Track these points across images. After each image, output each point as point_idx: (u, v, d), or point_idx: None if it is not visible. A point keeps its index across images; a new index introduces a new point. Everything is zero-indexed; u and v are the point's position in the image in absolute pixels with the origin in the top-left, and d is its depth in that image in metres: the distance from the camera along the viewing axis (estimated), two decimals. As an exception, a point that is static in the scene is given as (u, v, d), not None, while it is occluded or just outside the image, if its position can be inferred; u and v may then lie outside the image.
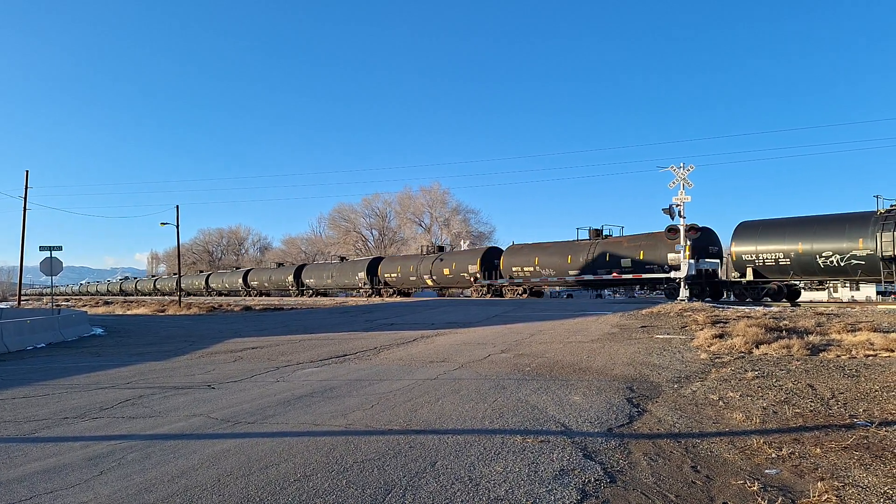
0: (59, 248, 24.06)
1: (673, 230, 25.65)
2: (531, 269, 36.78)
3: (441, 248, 49.10)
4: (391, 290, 48.80)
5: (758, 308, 19.71)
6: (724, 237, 29.79)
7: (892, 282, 22.82)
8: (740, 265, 26.79)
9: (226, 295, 70.74)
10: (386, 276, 48.42)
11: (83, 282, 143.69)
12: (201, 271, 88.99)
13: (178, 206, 45.18)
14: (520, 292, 38.30)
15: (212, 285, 74.74)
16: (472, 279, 41.23)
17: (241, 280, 68.09)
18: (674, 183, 25.33)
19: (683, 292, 25.16)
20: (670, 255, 26.15)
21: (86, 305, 52.36)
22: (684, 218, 25.26)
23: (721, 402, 6.92)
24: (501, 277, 39.04)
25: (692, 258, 26.10)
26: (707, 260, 27.32)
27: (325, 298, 51.85)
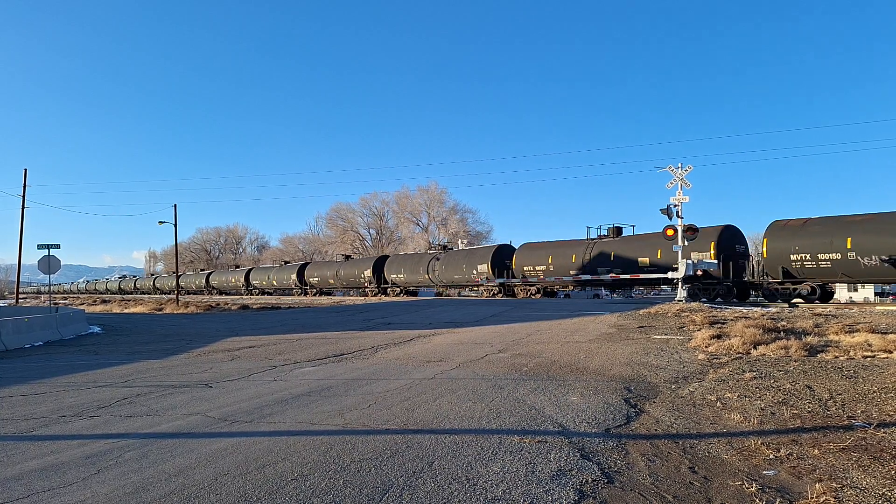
0: (58, 247, 24.10)
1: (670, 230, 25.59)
2: (834, 256, 23.07)
3: (619, 231, 33.59)
4: (533, 289, 36.08)
5: (756, 309, 19.72)
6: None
7: None
8: None
9: (271, 294, 62.25)
10: (525, 269, 35.94)
11: (82, 280, 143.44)
12: (237, 266, 79.76)
13: (175, 205, 45.33)
14: (805, 293, 24.15)
15: (253, 283, 65.37)
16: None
17: (294, 276, 57.50)
18: (671, 183, 25.32)
19: (681, 292, 25.13)
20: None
21: (84, 304, 52.34)
22: (682, 218, 25.25)
23: (719, 403, 6.93)
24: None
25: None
26: (705, 261, 27.06)
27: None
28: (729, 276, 26.28)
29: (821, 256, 23.41)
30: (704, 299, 26.22)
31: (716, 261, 26.82)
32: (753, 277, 27.21)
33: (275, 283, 61.51)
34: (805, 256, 23.85)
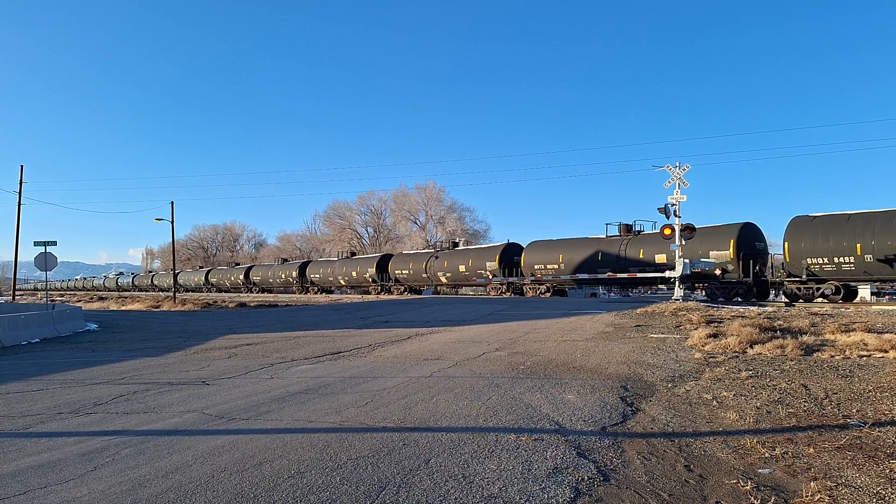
0: (54, 244, 24.07)
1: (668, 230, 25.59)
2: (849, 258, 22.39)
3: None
4: (830, 285, 23.69)
5: (752, 308, 19.76)
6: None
7: None
8: None
9: (336, 290, 52.93)
10: (811, 259, 23.64)
11: (78, 277, 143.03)
12: (285, 260, 67.22)
13: (172, 202, 45.27)
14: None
15: (311, 277, 55.05)
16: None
17: (373, 269, 47.63)
18: (669, 182, 25.33)
19: (678, 291, 25.15)
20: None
21: (80, 301, 52.27)
22: (679, 217, 25.26)
23: (715, 402, 6.95)
24: None
25: None
26: (703, 260, 26.97)
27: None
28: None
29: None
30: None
31: (714, 261, 26.86)
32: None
33: (347, 278, 50.96)
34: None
